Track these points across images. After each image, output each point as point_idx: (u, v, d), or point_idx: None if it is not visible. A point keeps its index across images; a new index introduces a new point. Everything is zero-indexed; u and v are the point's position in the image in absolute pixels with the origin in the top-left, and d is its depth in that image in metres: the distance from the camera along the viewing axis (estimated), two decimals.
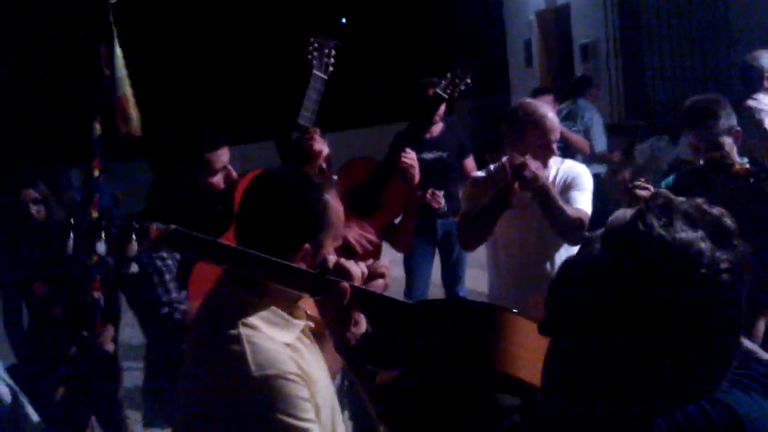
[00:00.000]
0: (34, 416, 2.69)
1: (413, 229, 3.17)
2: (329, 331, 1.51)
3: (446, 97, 3.09)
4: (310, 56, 2.94)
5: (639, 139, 5.95)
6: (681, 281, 0.94)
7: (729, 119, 3.08)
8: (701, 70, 7.19)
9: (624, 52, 8.30)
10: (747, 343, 1.12)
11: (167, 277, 3.21)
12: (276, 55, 11.98)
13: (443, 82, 3.07)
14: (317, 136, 3.02)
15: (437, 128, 4.46)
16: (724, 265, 0.94)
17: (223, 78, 13.21)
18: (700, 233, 0.95)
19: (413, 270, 4.57)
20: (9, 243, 3.78)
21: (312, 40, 2.95)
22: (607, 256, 1.00)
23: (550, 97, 6.06)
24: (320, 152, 3.07)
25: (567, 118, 6.26)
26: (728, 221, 0.98)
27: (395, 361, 1.41)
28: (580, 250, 1.08)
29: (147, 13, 11.85)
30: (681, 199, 1.00)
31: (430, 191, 4.00)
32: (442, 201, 4.08)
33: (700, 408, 0.98)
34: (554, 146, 3.01)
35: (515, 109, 3.11)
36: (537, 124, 2.96)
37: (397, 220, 3.33)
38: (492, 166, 3.24)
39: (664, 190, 1.04)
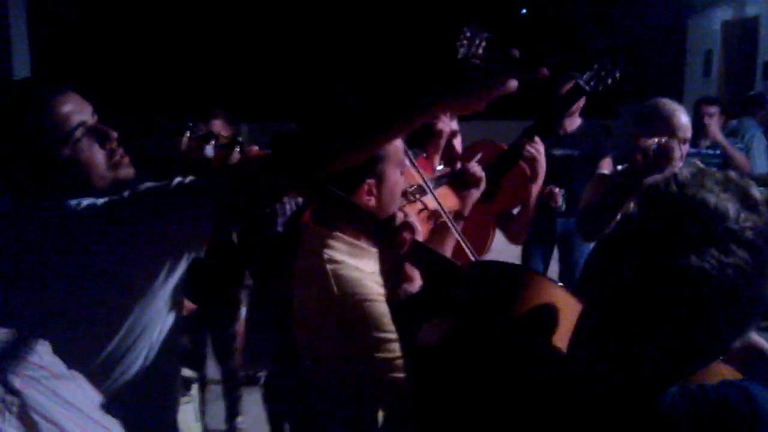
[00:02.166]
0: None
1: (529, 223, 3.10)
2: (384, 281, 1.54)
3: (588, 89, 2.96)
4: (458, 43, 2.94)
5: None
6: (708, 234, 0.98)
7: None
8: None
9: None
10: None
11: (288, 206, 3.39)
12: (428, 34, 12.06)
13: (588, 73, 2.94)
14: (444, 117, 3.04)
15: (573, 124, 4.30)
16: (749, 224, 0.99)
17: (372, 51, 13.54)
18: (728, 195, 1.01)
19: (528, 265, 4.48)
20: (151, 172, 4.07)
21: (465, 28, 2.95)
22: (640, 212, 1.06)
23: (715, 109, 5.70)
24: (442, 131, 3.09)
25: (731, 134, 5.90)
26: (755, 191, 1.03)
27: (440, 315, 1.44)
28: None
29: None
30: (713, 169, 1.07)
31: (549, 188, 3.89)
32: (560, 200, 3.95)
33: (716, 386, 1.04)
34: (682, 148, 2.83)
35: (646, 104, 2.97)
36: (664, 119, 2.81)
37: (515, 211, 3.29)
38: (620, 167, 3.12)
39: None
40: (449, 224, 2.23)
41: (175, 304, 1.67)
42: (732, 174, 1.06)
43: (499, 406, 1.16)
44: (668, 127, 2.79)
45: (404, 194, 2.38)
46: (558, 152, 4.10)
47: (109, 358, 1.55)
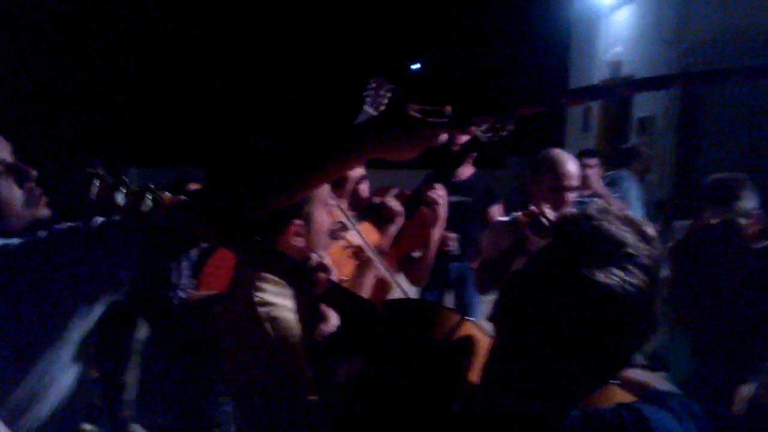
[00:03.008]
0: None
1: (430, 266, 3.18)
2: (301, 323, 1.55)
3: (485, 140, 3.09)
4: (365, 93, 3.02)
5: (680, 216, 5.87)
6: (612, 255, 1.12)
7: (748, 201, 3.05)
8: (761, 158, 7.06)
9: (680, 130, 8.23)
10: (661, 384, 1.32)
11: (185, 263, 3.32)
12: (335, 84, 12.31)
13: (485, 125, 3.07)
14: None
15: (467, 172, 4.49)
16: (645, 252, 1.14)
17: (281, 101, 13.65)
18: (628, 228, 1.17)
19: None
20: (61, 217, 3.92)
21: (372, 79, 3.03)
22: (552, 239, 1.19)
23: (594, 161, 6.03)
24: (348, 176, 3.15)
25: (609, 184, 6.24)
26: (649, 229, 1.19)
27: (356, 353, 1.47)
28: None
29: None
30: (614, 209, 1.22)
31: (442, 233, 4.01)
32: (453, 244, 4.09)
33: (612, 408, 1.12)
34: (568, 195, 3.00)
35: (538, 154, 3.13)
36: (551, 167, 2.98)
37: (416, 254, 3.37)
38: (515, 214, 3.25)
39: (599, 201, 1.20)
40: (373, 259, 2.26)
41: (85, 354, 1.60)
42: (630, 213, 1.21)
43: None
44: (556, 175, 2.95)
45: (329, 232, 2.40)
46: (453, 198, 4.24)
47: (16, 407, 1.47)
